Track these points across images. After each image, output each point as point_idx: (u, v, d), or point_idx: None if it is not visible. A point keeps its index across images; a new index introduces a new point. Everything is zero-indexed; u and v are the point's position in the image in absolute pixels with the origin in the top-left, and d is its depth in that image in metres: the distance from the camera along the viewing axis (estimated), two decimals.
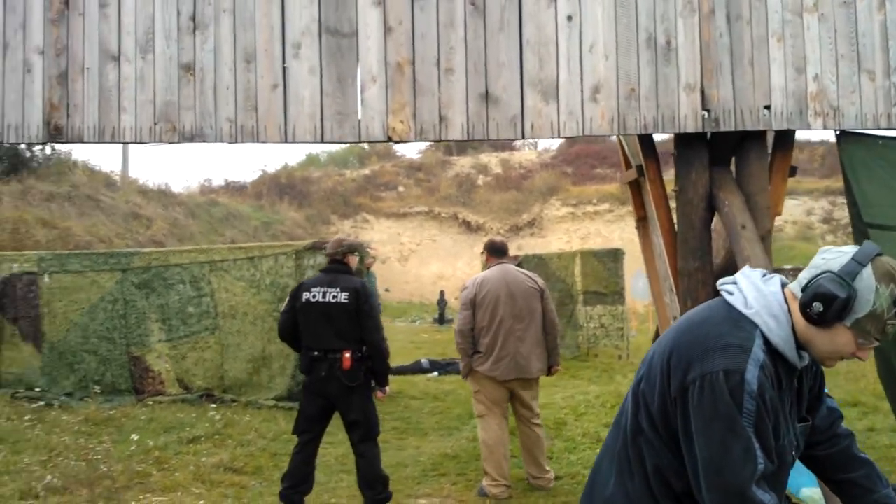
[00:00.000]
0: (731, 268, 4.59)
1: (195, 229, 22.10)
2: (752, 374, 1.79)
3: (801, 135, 4.89)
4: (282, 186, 30.75)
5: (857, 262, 1.80)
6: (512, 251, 22.92)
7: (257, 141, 4.70)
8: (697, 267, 4.69)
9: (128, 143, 4.75)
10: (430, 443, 7.12)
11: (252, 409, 8.00)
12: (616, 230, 26.39)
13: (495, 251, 5.97)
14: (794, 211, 26.30)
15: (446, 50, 4.70)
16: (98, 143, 4.82)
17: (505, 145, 34.32)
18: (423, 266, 28.33)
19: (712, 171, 4.82)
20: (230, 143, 4.73)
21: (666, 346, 1.96)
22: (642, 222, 5.73)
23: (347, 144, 4.99)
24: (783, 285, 1.95)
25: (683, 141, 4.85)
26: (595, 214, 28.36)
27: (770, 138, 4.99)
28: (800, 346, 1.89)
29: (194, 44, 4.75)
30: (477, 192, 31.02)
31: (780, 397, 1.89)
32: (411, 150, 37.94)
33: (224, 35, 4.74)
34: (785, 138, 4.98)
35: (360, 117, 4.69)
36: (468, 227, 29.05)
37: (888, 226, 4.71)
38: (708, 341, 1.86)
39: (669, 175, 5.00)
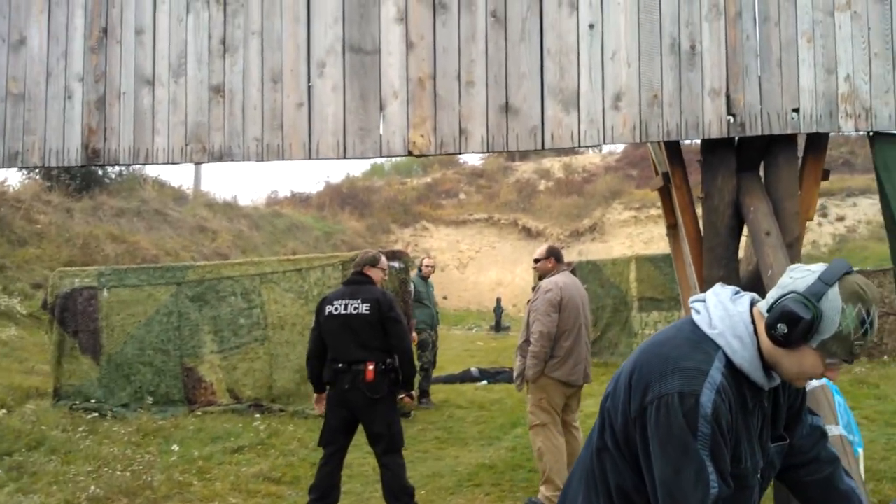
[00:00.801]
0: (760, 276, 4.49)
1: (258, 241, 22.65)
2: (707, 398, 1.75)
3: None
4: (344, 196, 31.21)
5: (824, 282, 1.75)
6: (572, 256, 22.66)
7: (282, 159, 4.82)
8: (723, 275, 4.58)
9: (160, 164, 4.93)
10: (469, 452, 7.13)
11: (298, 418, 8.16)
12: None
13: (560, 258, 6.06)
14: (869, 211, 25.30)
15: (467, 63, 4.74)
16: (132, 164, 5.03)
17: (569, 149, 34.05)
18: (481, 273, 28.32)
19: (739, 176, 4.72)
20: (257, 161, 4.86)
21: (630, 364, 1.94)
22: (672, 230, 5.65)
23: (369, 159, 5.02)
24: (753, 304, 1.91)
25: (709, 147, 4.77)
26: (659, 218, 27.72)
27: (802, 142, 4.87)
28: (768, 366, 1.85)
29: (224, 66, 4.90)
30: (537, 198, 30.87)
31: (745, 419, 1.86)
32: (473, 157, 37.95)
33: (252, 57, 4.88)
34: (817, 142, 4.84)
35: (381, 132, 4.76)
36: (528, 233, 28.91)
37: None
38: (667, 363, 1.83)
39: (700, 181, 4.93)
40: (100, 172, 19.98)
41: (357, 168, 37.96)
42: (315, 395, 5.22)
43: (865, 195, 25.64)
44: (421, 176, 34.55)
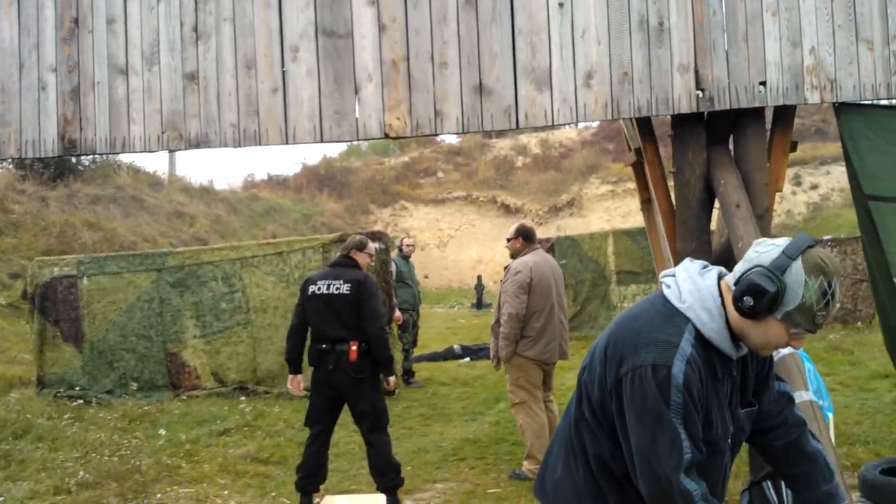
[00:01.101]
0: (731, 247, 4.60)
1: (237, 225, 22.57)
2: (678, 369, 1.85)
3: None
4: (321, 178, 31.13)
5: (787, 256, 1.83)
6: (551, 232, 22.66)
7: (259, 144, 4.86)
8: (695, 248, 4.70)
9: (137, 152, 4.95)
10: (453, 428, 7.26)
11: (283, 400, 8.24)
12: None
13: (529, 237, 6.02)
14: (842, 179, 25.47)
15: (440, 45, 4.78)
16: (109, 154, 5.05)
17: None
18: (461, 251, 28.45)
19: (709, 150, 4.82)
20: (234, 147, 4.90)
21: (605, 338, 2.03)
22: (646, 204, 5.76)
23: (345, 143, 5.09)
24: (720, 277, 1.99)
25: (679, 122, 4.87)
26: (636, 191, 27.92)
27: (769, 114, 4.97)
28: (736, 336, 1.94)
29: (197, 53, 4.92)
30: (515, 175, 30.96)
31: (715, 387, 1.95)
32: (450, 136, 37.91)
33: (225, 43, 4.90)
34: (784, 114, 4.95)
35: (357, 115, 4.81)
36: (507, 210, 29.03)
37: (889, 197, 4.68)
38: (640, 336, 1.92)
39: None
40: (73, 160, 19.77)
41: (334, 149, 37.68)
42: (290, 377, 5.25)
43: (838, 163, 25.86)
44: (398, 155, 34.49)
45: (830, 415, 4.21)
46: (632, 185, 28.26)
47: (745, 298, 1.85)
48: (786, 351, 3.82)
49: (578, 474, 2.07)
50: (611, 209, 27.66)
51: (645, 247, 13.63)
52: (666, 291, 2.00)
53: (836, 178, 25.47)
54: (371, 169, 32.53)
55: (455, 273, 27.48)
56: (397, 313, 9.33)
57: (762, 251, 1.88)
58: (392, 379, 5.28)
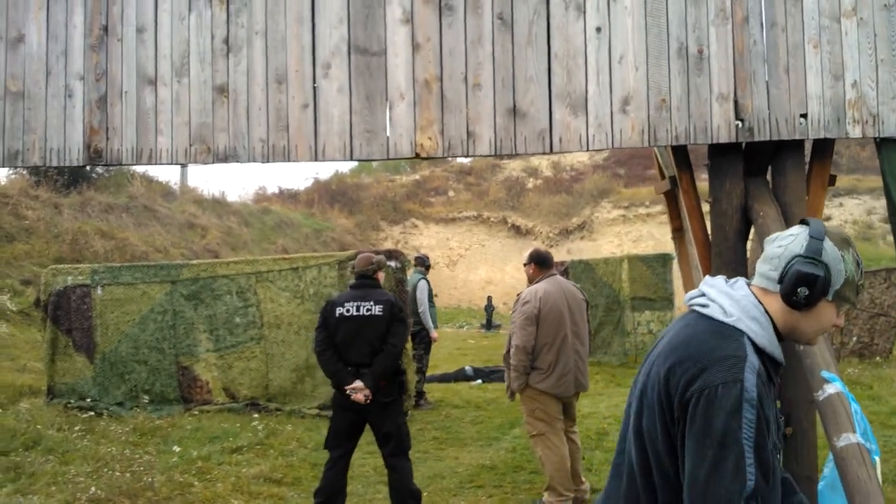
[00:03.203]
0: None
1: (248, 237, 22.53)
2: (750, 382, 1.75)
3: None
4: (333, 193, 31.12)
5: (817, 239, 1.86)
6: (561, 255, 22.69)
7: (288, 160, 4.77)
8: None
9: (164, 164, 4.87)
10: (468, 453, 7.12)
11: (295, 417, 8.13)
12: (668, 232, 25.71)
13: (543, 263, 5.73)
14: (855, 210, 25.52)
15: (474, 66, 4.71)
16: (136, 164, 4.97)
17: None
18: (471, 271, 28.35)
19: (747, 181, 4.73)
20: (262, 162, 4.81)
21: (657, 376, 1.88)
22: (678, 233, 5.65)
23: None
24: (747, 284, 1.96)
25: (717, 151, 4.77)
26: (647, 217, 27.91)
27: (808, 147, 4.88)
28: (781, 338, 1.92)
29: (228, 66, 4.84)
30: (526, 196, 30.89)
31: (772, 401, 1.86)
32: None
33: (256, 57, 4.83)
34: (823, 147, 4.85)
35: (388, 134, 4.72)
36: (517, 231, 28.96)
37: None
38: (701, 357, 1.80)
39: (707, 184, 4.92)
40: (87, 168, 19.78)
41: (345, 165, 37.78)
42: (350, 388, 4.84)
43: (851, 195, 25.83)
44: (409, 173, 34.48)
45: (878, 458, 4.06)
46: (643, 210, 28.19)
47: (798, 290, 1.85)
48: (832, 390, 3.69)
49: None
50: (622, 234, 27.54)
51: (660, 273, 13.51)
52: (705, 311, 1.91)
53: (848, 210, 25.38)
54: (382, 186, 32.54)
55: (464, 293, 27.37)
56: (434, 333, 9.42)
57: (786, 243, 1.90)
58: (359, 384, 4.84)
